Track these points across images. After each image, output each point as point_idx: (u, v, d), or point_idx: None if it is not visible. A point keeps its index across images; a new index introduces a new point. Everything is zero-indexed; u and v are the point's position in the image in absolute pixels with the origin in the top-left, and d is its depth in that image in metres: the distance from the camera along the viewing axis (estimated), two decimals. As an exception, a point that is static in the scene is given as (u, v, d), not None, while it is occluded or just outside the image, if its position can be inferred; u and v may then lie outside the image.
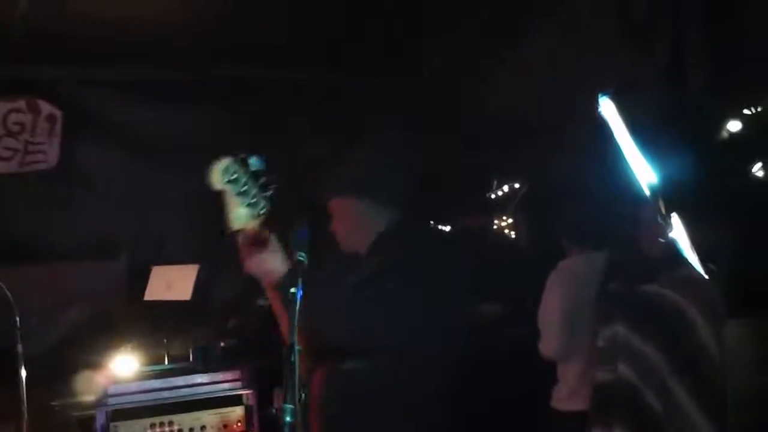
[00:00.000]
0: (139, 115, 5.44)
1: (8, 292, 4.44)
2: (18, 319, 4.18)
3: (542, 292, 4.41)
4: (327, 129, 5.48)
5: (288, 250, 2.15)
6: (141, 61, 5.23)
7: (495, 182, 6.23)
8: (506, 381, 4.96)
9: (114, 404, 4.28)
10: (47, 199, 5.46)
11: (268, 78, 5.51)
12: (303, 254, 2.02)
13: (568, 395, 4.33)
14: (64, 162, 5.54)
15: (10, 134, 5.53)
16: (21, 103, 5.51)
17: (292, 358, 1.82)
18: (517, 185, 6.18)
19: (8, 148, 5.53)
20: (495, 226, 6.35)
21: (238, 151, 2.20)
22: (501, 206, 6.27)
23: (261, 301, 4.68)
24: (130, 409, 4.31)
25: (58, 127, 5.57)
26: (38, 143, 5.57)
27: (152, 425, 4.30)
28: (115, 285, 5.16)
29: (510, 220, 6.27)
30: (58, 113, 5.56)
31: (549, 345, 4.33)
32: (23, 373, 4.40)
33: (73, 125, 5.53)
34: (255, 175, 2.17)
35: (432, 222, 5.31)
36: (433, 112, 5.49)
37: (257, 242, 2.21)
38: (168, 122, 5.41)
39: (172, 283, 5.01)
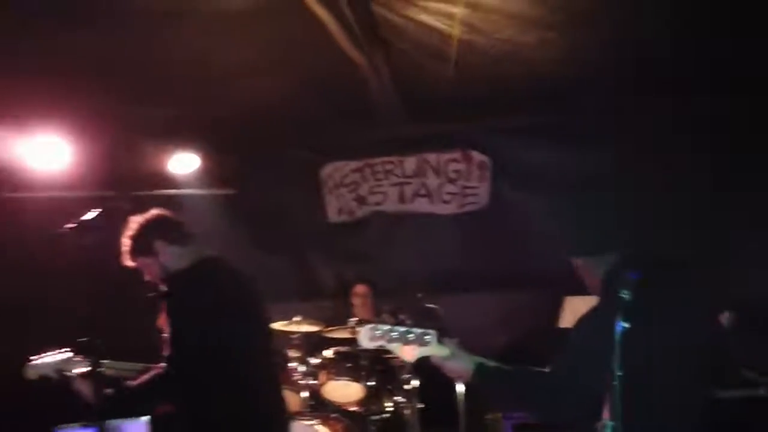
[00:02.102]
0: (549, 156, 5.92)
1: (443, 316, 5.23)
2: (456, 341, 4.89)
3: None
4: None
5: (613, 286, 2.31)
6: (546, 108, 5.75)
7: None
8: None
9: (518, 418, 4.83)
10: (478, 235, 6.21)
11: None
12: (626, 292, 2.18)
13: None
14: (492, 202, 6.27)
15: (450, 181, 6.47)
16: (457, 154, 6.43)
17: (615, 382, 2.02)
18: None
19: (448, 193, 6.48)
20: None
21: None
22: None
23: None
24: (530, 423, 4.80)
25: (488, 172, 6.35)
26: (472, 187, 6.41)
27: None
28: (537, 313, 5.59)
29: None
30: (487, 160, 6.35)
31: None
32: (461, 388, 5.13)
33: (499, 169, 6.26)
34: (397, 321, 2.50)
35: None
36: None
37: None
38: (570, 161, 5.77)
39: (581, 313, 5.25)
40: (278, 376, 3.55)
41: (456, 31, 4.73)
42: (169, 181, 6.17)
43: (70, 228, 3.26)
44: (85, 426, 2.57)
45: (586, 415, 2.25)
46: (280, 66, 5.17)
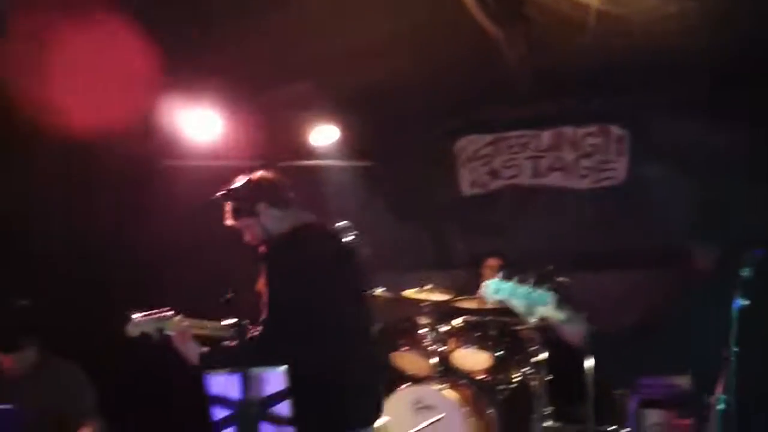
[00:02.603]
0: (685, 131, 5.72)
1: (573, 290, 5.20)
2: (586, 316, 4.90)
3: None
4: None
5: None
6: (687, 82, 5.55)
7: None
8: None
9: (643, 395, 4.83)
10: (613, 211, 6.11)
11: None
12: (747, 270, 2.15)
13: None
14: (630, 177, 6.16)
15: (586, 155, 6.39)
16: (594, 128, 6.33)
17: (732, 357, 2.03)
18: None
19: (585, 167, 6.40)
20: None
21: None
22: None
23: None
24: (654, 399, 4.80)
25: (625, 146, 6.22)
26: (609, 162, 6.31)
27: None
28: (670, 292, 5.45)
29: None
30: (625, 135, 6.22)
31: None
32: (589, 363, 5.13)
33: (637, 144, 6.14)
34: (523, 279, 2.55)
35: None
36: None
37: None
38: (708, 137, 5.56)
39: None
40: (371, 342, 3.54)
41: (595, 2, 4.67)
42: (311, 153, 6.46)
43: (222, 195, 3.47)
44: (231, 372, 2.79)
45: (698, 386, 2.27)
46: (419, 41, 5.29)
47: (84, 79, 4.53)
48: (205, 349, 3.21)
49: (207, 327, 3.38)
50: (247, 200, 3.28)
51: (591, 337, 2.59)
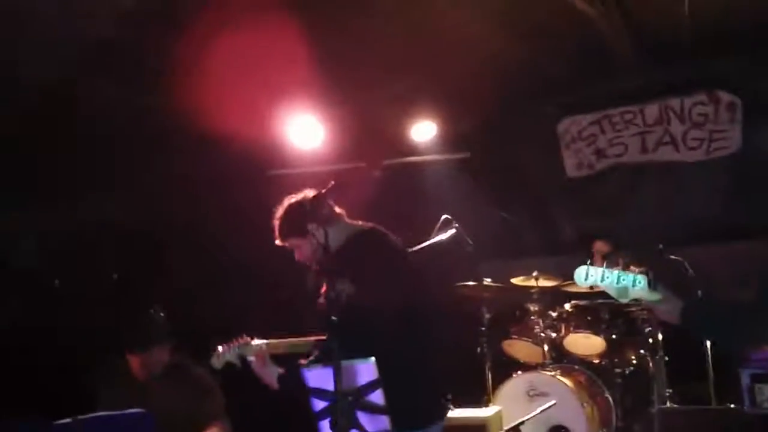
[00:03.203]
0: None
1: (689, 268, 5.03)
2: (700, 293, 4.72)
3: None
4: None
5: None
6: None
7: None
8: None
9: (756, 369, 4.55)
10: (729, 182, 5.83)
11: None
12: None
13: None
14: (746, 146, 5.85)
15: (696, 126, 6.12)
16: (702, 97, 6.06)
17: None
18: None
19: (695, 139, 6.14)
20: None
21: None
22: None
23: None
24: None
25: (738, 114, 5.91)
26: (721, 131, 6.01)
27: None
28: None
29: None
30: (737, 101, 5.91)
31: None
32: (708, 343, 4.95)
33: (753, 111, 5.81)
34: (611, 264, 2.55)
35: None
36: None
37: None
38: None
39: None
40: (434, 338, 3.39)
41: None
42: (412, 149, 6.55)
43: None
44: (326, 366, 2.89)
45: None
46: (512, 26, 5.25)
47: (217, 86, 4.81)
48: (282, 370, 3.27)
49: (284, 345, 3.44)
50: (296, 221, 3.26)
51: (700, 311, 2.58)
